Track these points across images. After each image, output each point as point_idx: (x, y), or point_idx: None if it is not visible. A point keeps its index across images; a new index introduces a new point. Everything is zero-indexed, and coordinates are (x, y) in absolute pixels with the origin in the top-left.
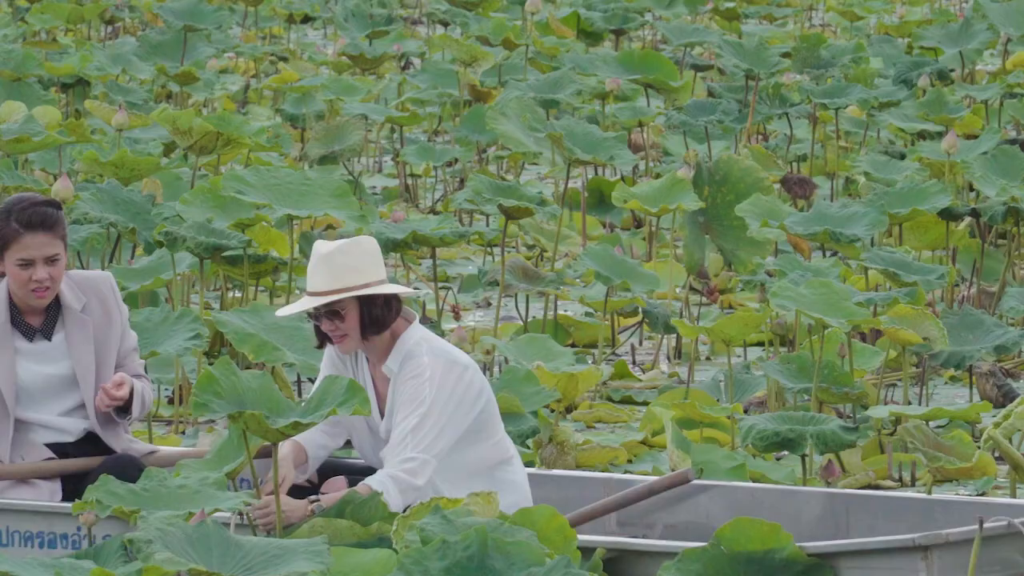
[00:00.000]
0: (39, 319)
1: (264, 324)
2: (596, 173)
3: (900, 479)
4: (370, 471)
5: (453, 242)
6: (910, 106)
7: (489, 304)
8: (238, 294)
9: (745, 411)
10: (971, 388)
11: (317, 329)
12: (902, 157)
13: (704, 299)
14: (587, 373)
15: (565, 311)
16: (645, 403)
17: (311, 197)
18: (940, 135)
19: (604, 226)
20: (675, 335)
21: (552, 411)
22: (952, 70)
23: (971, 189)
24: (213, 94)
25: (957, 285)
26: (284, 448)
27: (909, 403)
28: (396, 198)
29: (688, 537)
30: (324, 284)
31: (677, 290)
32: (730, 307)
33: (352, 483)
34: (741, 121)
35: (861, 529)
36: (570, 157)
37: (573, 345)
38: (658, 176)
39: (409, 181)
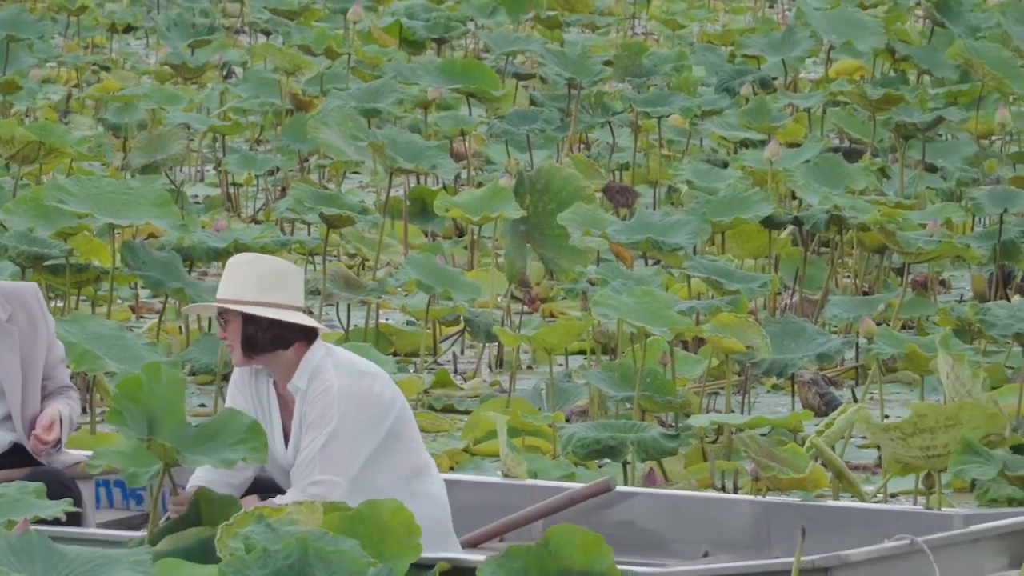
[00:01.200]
0: None
1: (86, 333)
2: (418, 182)
3: (723, 487)
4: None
5: (275, 251)
6: (732, 114)
7: (311, 313)
8: (60, 303)
9: (567, 419)
10: (793, 396)
11: None
12: (725, 165)
13: (526, 308)
14: (409, 382)
15: (387, 320)
16: (467, 411)
17: (133, 206)
18: (763, 143)
19: (426, 235)
20: (497, 344)
21: None
22: (775, 78)
23: (794, 197)
24: (35, 103)
25: (779, 293)
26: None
27: (731, 411)
28: (218, 207)
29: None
30: (223, 292)
31: (499, 299)
32: (552, 316)
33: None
34: (563, 130)
35: (782, 537)
36: (392, 166)
37: (395, 354)
38: (480, 185)
39: (231, 190)
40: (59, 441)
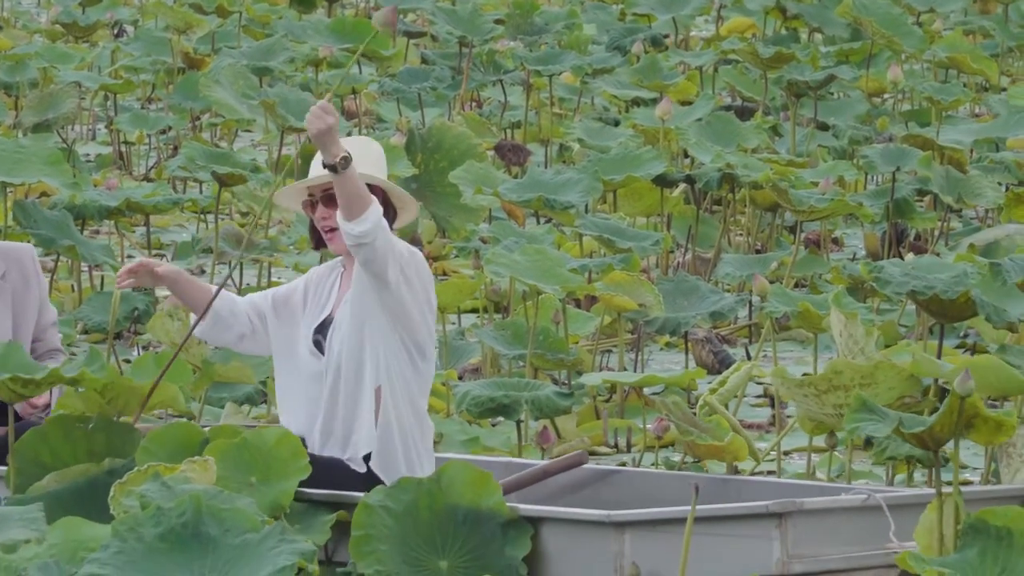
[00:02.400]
0: None
1: None
2: (309, 140)
3: (616, 445)
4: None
5: (167, 209)
6: (624, 73)
7: (203, 271)
8: None
9: (460, 377)
10: (687, 354)
11: (312, 228)
12: (616, 124)
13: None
14: None
15: (279, 278)
16: None
17: (25, 165)
18: (654, 102)
19: None
20: None
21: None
22: (666, 36)
23: (686, 155)
24: None
25: (672, 251)
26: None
27: (624, 369)
28: (110, 165)
29: None
30: (373, 168)
31: None
32: (444, 274)
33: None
34: (455, 88)
35: None
36: (283, 124)
37: None
38: None
39: (123, 148)
40: (48, 406)
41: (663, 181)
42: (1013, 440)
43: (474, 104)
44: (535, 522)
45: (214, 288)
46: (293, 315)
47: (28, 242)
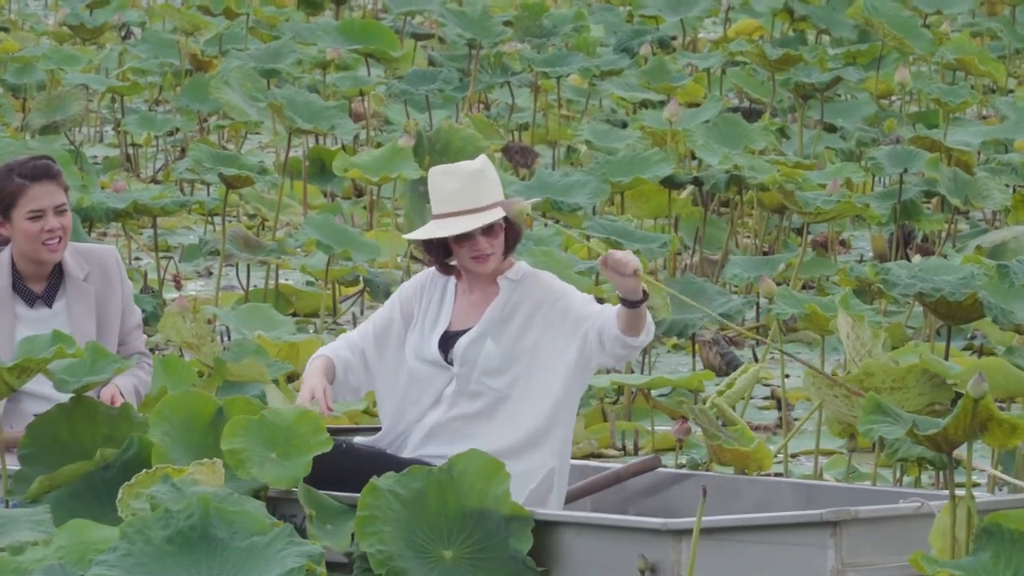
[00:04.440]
0: (41, 286)
1: None
2: (317, 142)
3: (623, 448)
4: (383, 459)
5: (174, 211)
6: (632, 75)
7: (210, 273)
8: None
9: None
10: (694, 356)
11: (440, 256)
12: (624, 126)
13: (425, 267)
14: (308, 342)
15: (286, 280)
16: None
17: None
18: (662, 104)
19: (325, 195)
20: None
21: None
22: (674, 38)
23: (693, 157)
24: None
25: (680, 253)
26: (314, 363)
27: (632, 371)
28: (117, 168)
29: None
30: (481, 199)
31: (398, 259)
32: None
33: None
34: (462, 90)
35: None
36: (291, 126)
37: (294, 314)
38: (379, 145)
39: (130, 151)
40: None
41: (671, 183)
42: None
43: (482, 106)
44: (591, 529)
45: (331, 359)
46: (398, 339)
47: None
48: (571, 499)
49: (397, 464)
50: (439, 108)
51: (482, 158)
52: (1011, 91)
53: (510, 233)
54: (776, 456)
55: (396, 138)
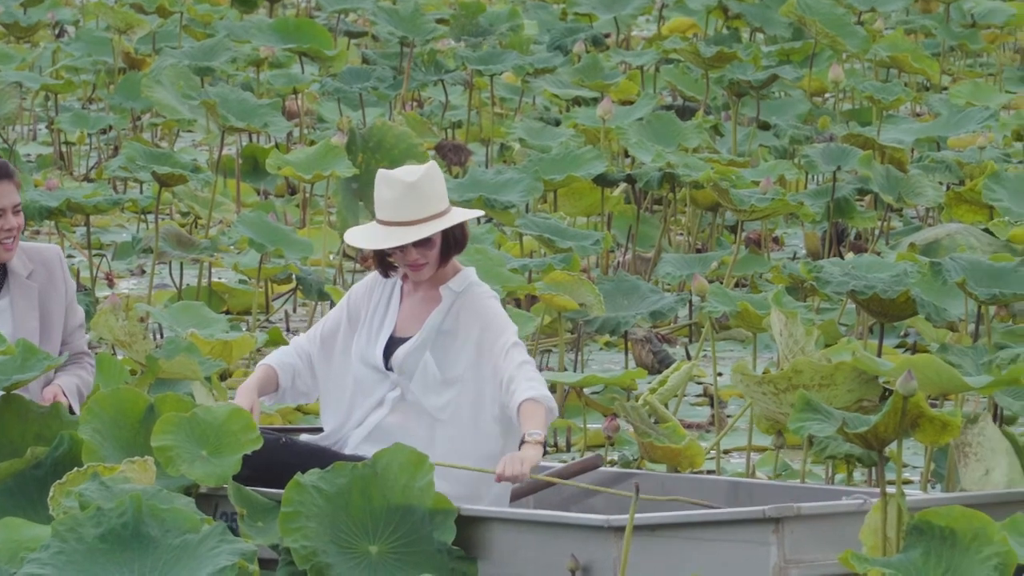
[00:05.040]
0: None
1: None
2: (251, 140)
3: (556, 445)
4: (322, 453)
5: (107, 209)
6: (565, 72)
7: (143, 271)
8: None
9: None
10: (627, 354)
11: (381, 258)
12: (557, 123)
13: (358, 266)
14: (241, 340)
15: (219, 278)
16: None
17: None
18: (595, 101)
19: (258, 193)
20: (329, 302)
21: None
22: (607, 36)
23: (627, 155)
24: None
25: (612, 251)
26: (249, 380)
27: (565, 369)
28: (50, 166)
29: None
30: (417, 212)
31: (331, 257)
32: None
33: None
34: (396, 88)
35: None
36: (224, 124)
37: (227, 312)
38: (312, 143)
39: (63, 149)
40: (71, 411)
41: (604, 181)
42: (968, 440)
43: (415, 104)
44: (534, 527)
45: (274, 368)
46: (345, 342)
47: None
48: (514, 498)
49: (339, 460)
50: (372, 106)
51: (429, 165)
52: (945, 88)
53: (452, 240)
54: (708, 453)
55: (329, 136)
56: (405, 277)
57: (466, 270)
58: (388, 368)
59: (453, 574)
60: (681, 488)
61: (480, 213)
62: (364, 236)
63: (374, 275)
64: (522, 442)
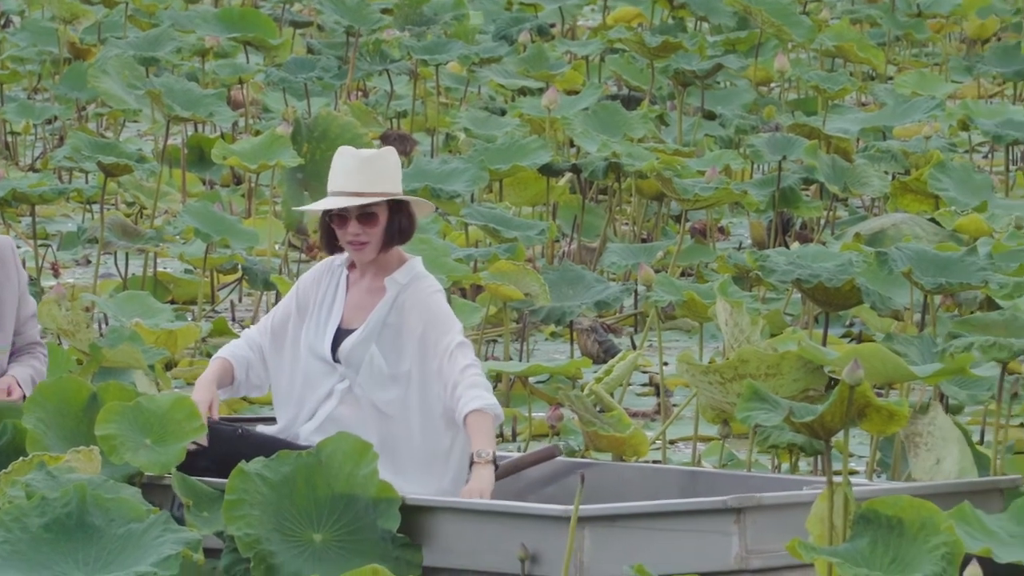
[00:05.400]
0: None
1: None
2: (196, 130)
3: (501, 435)
4: (276, 443)
5: (52, 199)
6: (511, 62)
7: (88, 261)
8: None
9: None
10: (572, 344)
11: (329, 235)
12: (502, 113)
13: (303, 255)
14: (186, 330)
15: (164, 268)
16: None
17: None
18: (541, 91)
19: (204, 183)
20: (275, 291)
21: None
22: (552, 26)
23: (572, 145)
24: None
25: (557, 241)
26: (206, 373)
27: (510, 359)
28: None
29: None
30: (365, 185)
31: (276, 247)
32: None
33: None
34: (341, 78)
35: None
36: (170, 114)
37: (172, 302)
38: (257, 133)
39: (9, 139)
40: (24, 397)
41: (549, 171)
42: (919, 430)
43: (360, 94)
44: (496, 517)
45: (230, 361)
46: (295, 332)
47: None
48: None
49: (294, 450)
50: (318, 96)
51: (387, 149)
52: (890, 78)
53: (398, 227)
54: (654, 443)
55: (275, 126)
56: (352, 266)
57: (412, 260)
58: (336, 360)
59: (398, 562)
60: (637, 478)
61: (433, 206)
62: (312, 205)
63: (322, 264)
64: (472, 463)
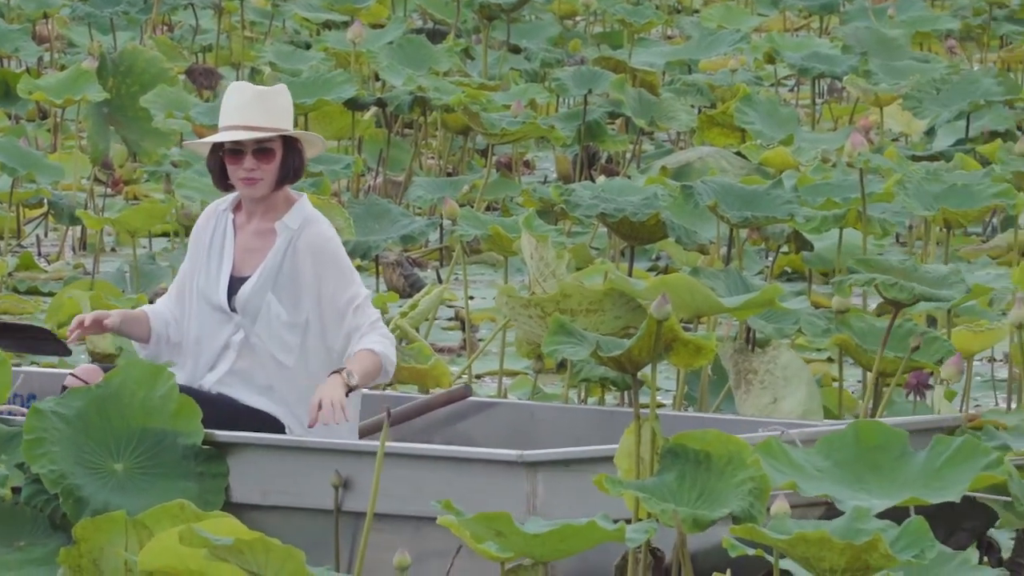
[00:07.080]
0: None
1: None
2: (1, 65)
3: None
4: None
5: None
6: None
7: None
8: None
9: (151, 301)
10: (378, 278)
11: (220, 169)
12: (308, 47)
13: (109, 190)
14: None
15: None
16: (51, 294)
17: None
18: (346, 25)
19: (10, 118)
20: (81, 226)
21: None
22: None
23: (377, 79)
24: None
25: (363, 175)
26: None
27: None
28: None
29: None
30: (261, 120)
31: (82, 181)
32: (135, 198)
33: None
34: (146, 12)
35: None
36: None
37: None
38: (63, 68)
39: None
40: None
41: (354, 104)
42: (754, 367)
43: (166, 28)
44: (446, 462)
45: (146, 312)
46: (190, 282)
47: None
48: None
49: (205, 399)
50: (123, 30)
51: (282, 87)
52: (696, 11)
53: (290, 165)
54: (460, 377)
55: (80, 61)
56: (237, 208)
57: (300, 200)
58: (232, 309)
59: (202, 477)
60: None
61: (324, 145)
62: (207, 138)
63: (208, 209)
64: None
